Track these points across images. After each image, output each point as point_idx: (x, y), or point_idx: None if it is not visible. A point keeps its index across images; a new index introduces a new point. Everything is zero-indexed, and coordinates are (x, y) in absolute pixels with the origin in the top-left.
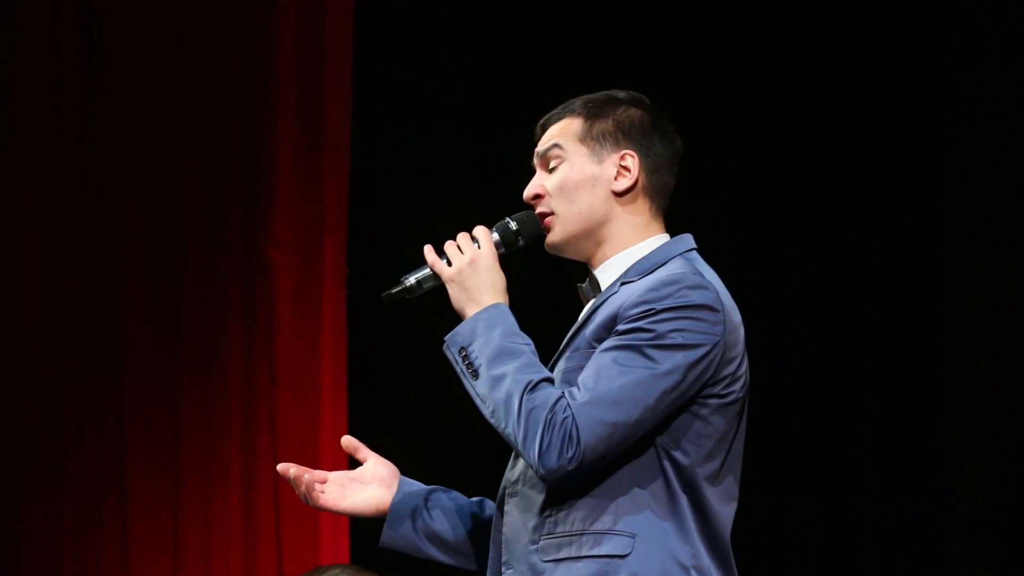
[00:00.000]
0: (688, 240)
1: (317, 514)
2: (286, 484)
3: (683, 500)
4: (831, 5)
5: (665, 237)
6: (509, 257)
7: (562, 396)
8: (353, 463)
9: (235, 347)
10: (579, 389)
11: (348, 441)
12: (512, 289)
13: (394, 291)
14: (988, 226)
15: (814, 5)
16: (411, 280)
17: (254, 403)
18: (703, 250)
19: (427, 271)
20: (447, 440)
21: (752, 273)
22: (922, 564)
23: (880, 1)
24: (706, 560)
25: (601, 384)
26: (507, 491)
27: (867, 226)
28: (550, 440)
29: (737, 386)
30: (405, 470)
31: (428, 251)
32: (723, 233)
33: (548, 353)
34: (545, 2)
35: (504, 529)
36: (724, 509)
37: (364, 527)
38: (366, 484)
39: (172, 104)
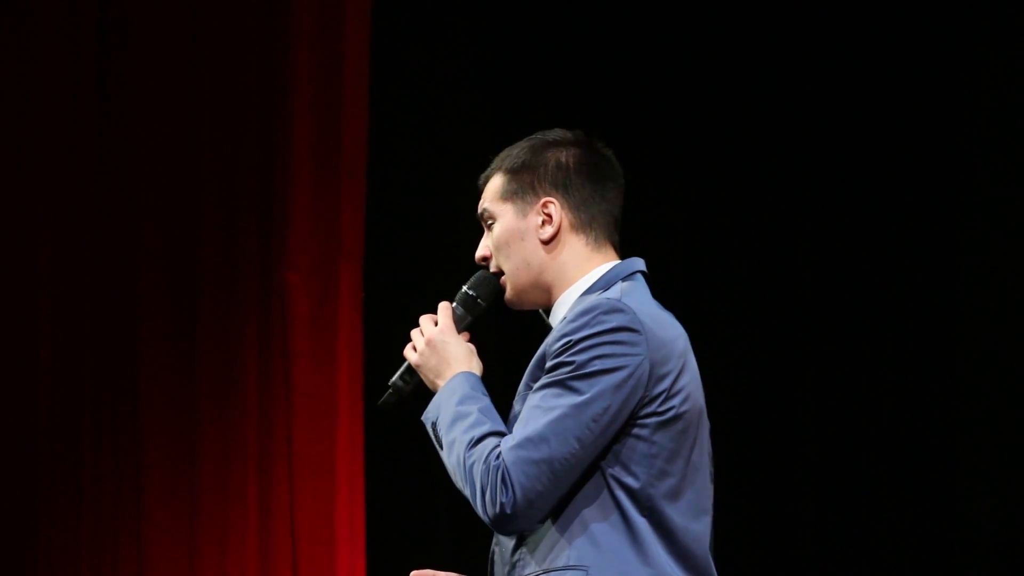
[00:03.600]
0: (634, 263)
1: (333, 538)
2: (302, 508)
3: (641, 523)
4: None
5: (611, 264)
6: (489, 313)
7: (496, 446)
8: None
9: (251, 370)
10: (511, 435)
11: (419, 575)
12: (503, 338)
13: (386, 397)
14: (1007, 225)
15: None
16: (398, 381)
17: (270, 427)
18: (719, 259)
19: (406, 365)
20: None
21: (763, 274)
22: None
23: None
24: None
25: (529, 425)
26: (493, 541)
27: (881, 226)
28: (487, 490)
29: (676, 401)
30: (422, 495)
31: (407, 348)
32: (737, 232)
33: None
34: (566, 23)
35: None
36: (694, 524)
37: (380, 549)
38: None
39: (188, 127)
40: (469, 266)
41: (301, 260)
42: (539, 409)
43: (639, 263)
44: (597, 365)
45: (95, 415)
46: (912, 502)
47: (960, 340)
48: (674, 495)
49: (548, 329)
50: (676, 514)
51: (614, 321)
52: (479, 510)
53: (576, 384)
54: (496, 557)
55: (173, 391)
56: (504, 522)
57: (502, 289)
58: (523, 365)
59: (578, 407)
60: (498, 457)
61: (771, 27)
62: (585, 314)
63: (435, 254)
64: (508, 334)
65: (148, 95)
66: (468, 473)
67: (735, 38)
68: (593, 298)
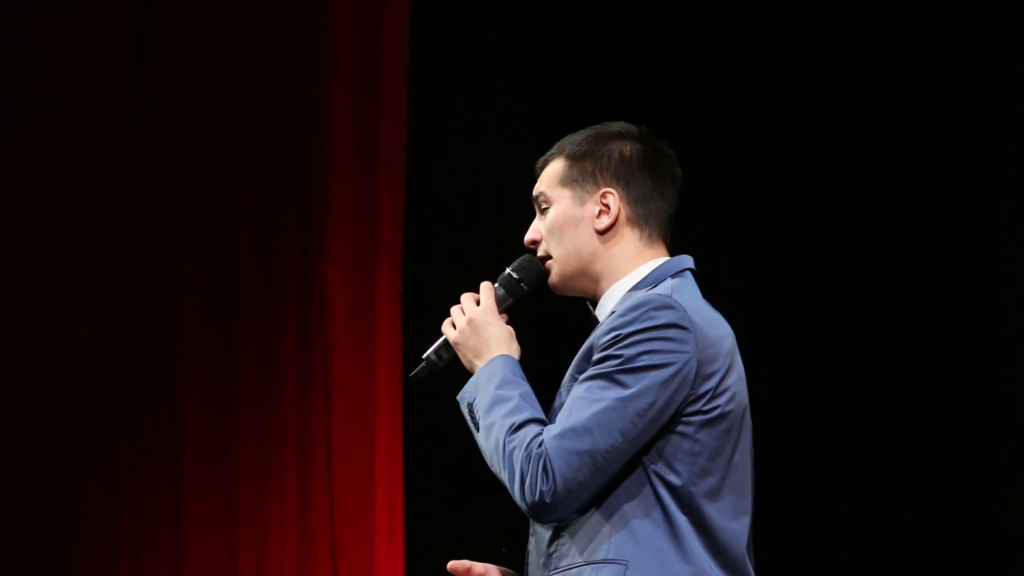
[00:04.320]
0: (683, 261)
1: (372, 532)
2: (341, 503)
3: (681, 520)
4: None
5: (661, 260)
6: (530, 298)
7: (539, 434)
8: None
9: (290, 366)
10: (555, 424)
11: (456, 565)
12: (540, 326)
13: (418, 370)
14: None
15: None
16: (432, 355)
17: (309, 422)
18: (739, 260)
19: (442, 341)
20: None
21: (805, 275)
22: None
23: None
24: None
25: (573, 415)
26: (530, 532)
27: (919, 225)
28: (527, 477)
29: (721, 400)
30: (460, 488)
31: (445, 323)
32: (780, 233)
33: None
34: (606, 18)
35: (528, 569)
36: (732, 524)
37: (419, 542)
38: None
39: (227, 122)
40: (508, 261)
41: (340, 255)
42: (584, 400)
43: (688, 261)
44: (645, 360)
45: (134, 409)
46: (950, 502)
47: (1000, 338)
48: (715, 494)
49: (589, 320)
50: (716, 513)
51: (664, 318)
52: (516, 496)
53: (623, 378)
54: (532, 547)
55: (212, 386)
56: (542, 510)
57: (546, 274)
58: (556, 354)
59: (623, 401)
60: (540, 445)
61: (824, 25)
62: (635, 309)
63: (474, 248)
64: (543, 323)
65: (187, 90)
66: (508, 458)
67: (791, 34)
68: (644, 293)
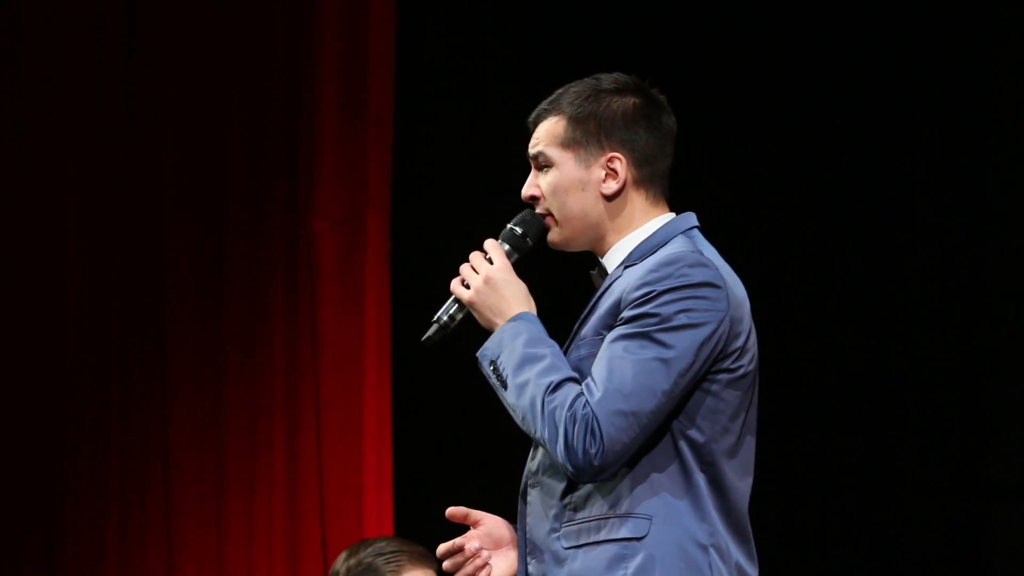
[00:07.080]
0: (690, 218)
1: (360, 486)
2: (329, 457)
3: (700, 478)
4: None
5: (667, 217)
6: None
7: (580, 393)
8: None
9: (278, 320)
10: (595, 383)
11: (455, 511)
12: (529, 278)
13: (431, 333)
14: None
15: None
16: (443, 316)
17: (298, 376)
18: (738, 228)
19: (453, 301)
20: (491, 414)
21: (796, 267)
22: (961, 528)
23: None
24: (723, 537)
25: (615, 376)
26: (528, 482)
27: (908, 221)
28: (573, 438)
29: (746, 359)
30: (449, 445)
31: (453, 283)
32: (766, 226)
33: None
34: None
35: (528, 519)
36: (741, 483)
37: (407, 497)
38: (502, 547)
39: (214, 76)
40: (496, 213)
41: (328, 209)
42: (624, 360)
43: (693, 218)
44: (683, 319)
45: (122, 364)
46: (938, 461)
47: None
48: (731, 453)
49: (587, 273)
50: (730, 472)
51: (699, 276)
52: (559, 455)
53: (662, 337)
54: (534, 497)
55: (200, 341)
56: (589, 471)
57: (547, 228)
58: (553, 304)
59: (666, 362)
60: (585, 406)
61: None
62: (668, 265)
63: (461, 201)
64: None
65: (174, 43)
66: (548, 418)
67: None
68: (676, 249)
